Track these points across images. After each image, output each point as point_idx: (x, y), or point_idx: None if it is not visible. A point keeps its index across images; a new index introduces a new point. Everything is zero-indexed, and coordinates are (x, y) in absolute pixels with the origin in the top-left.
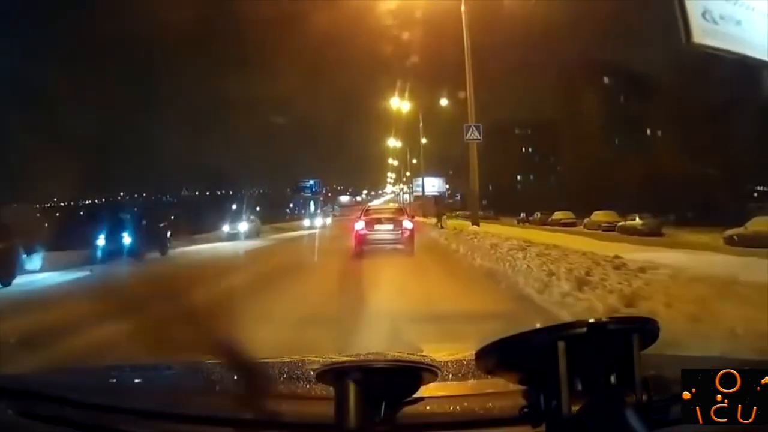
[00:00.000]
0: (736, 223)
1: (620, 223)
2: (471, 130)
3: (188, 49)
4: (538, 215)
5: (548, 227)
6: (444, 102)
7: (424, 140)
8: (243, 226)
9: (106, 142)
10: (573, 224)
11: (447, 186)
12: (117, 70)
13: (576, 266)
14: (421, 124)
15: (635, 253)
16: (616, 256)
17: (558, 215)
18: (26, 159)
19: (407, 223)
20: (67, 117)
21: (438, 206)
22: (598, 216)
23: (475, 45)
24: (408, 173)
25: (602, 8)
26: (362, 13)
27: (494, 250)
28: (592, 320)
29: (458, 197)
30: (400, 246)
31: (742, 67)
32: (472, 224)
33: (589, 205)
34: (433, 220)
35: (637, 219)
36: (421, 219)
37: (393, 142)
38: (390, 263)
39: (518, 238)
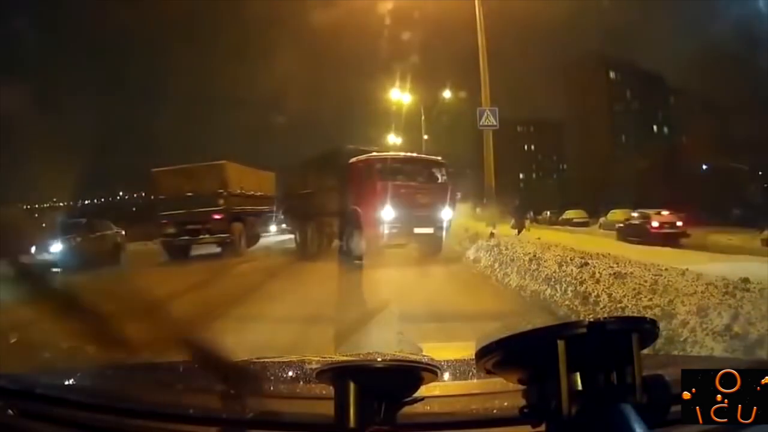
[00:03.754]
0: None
1: None
2: (485, 114)
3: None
4: (547, 214)
5: (561, 227)
6: (447, 95)
7: (426, 137)
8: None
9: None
10: (586, 224)
11: None
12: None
13: (696, 298)
14: (423, 118)
15: (711, 264)
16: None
17: (570, 214)
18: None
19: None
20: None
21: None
22: (616, 215)
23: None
24: None
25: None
26: (361, 10)
27: (536, 264)
28: (591, 320)
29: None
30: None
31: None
32: (486, 225)
33: (597, 203)
34: None
35: None
36: None
37: (393, 138)
38: (393, 281)
39: (555, 243)
